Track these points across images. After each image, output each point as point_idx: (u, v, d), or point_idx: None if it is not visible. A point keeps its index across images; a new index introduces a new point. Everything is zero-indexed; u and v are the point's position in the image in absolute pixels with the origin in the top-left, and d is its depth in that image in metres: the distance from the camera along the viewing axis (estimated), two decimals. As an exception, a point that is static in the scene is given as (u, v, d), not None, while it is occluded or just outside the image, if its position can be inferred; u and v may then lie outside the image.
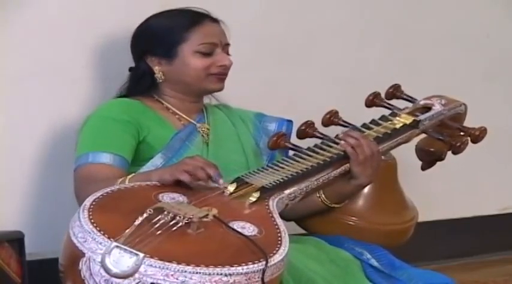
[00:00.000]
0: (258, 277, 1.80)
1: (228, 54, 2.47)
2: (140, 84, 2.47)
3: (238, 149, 2.50)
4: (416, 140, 2.63)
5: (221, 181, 2.07)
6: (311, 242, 2.38)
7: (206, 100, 2.58)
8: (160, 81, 2.44)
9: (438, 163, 2.67)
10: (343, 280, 2.25)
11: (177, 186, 2.07)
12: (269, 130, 2.59)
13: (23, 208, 2.79)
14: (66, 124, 2.78)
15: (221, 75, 2.44)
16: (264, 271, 1.80)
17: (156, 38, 2.43)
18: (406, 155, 2.72)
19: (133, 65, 2.51)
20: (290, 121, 2.61)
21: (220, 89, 2.47)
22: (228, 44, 2.48)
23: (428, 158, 2.65)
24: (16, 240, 2.56)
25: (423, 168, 2.70)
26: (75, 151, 2.35)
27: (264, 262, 1.81)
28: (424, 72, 3.56)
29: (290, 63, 3.25)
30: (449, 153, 2.59)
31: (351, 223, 2.50)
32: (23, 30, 2.74)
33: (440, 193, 3.67)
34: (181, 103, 2.48)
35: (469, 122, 2.64)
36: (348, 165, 2.32)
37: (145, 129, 2.38)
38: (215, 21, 2.47)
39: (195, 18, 2.45)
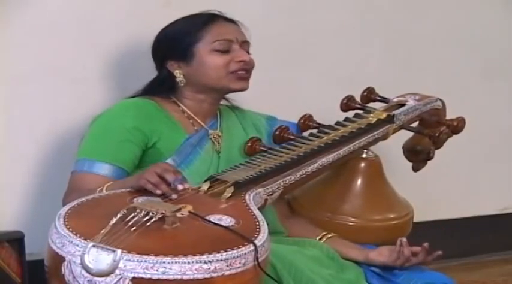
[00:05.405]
0: (240, 263, 1.81)
1: (248, 52, 2.42)
2: (160, 88, 2.44)
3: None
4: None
5: (185, 185, 2.04)
6: (312, 243, 2.38)
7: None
8: (182, 84, 2.41)
9: (438, 163, 2.67)
10: (344, 281, 2.26)
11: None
12: None
13: (23, 208, 2.79)
14: (67, 124, 2.78)
15: (242, 72, 2.38)
16: (256, 252, 1.82)
17: (172, 42, 2.40)
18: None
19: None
20: None
21: (244, 88, 2.40)
22: (246, 41, 2.43)
23: (417, 158, 2.68)
24: (16, 240, 2.56)
25: (414, 169, 2.72)
26: (78, 149, 2.35)
27: (243, 248, 1.82)
28: (424, 72, 3.56)
29: (290, 63, 3.25)
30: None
31: (349, 223, 2.50)
32: (23, 30, 2.74)
33: (439, 193, 3.67)
34: (198, 106, 2.44)
35: (469, 122, 2.64)
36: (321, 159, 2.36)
37: (156, 135, 2.34)
38: (230, 21, 2.45)
39: (209, 18, 2.42)
